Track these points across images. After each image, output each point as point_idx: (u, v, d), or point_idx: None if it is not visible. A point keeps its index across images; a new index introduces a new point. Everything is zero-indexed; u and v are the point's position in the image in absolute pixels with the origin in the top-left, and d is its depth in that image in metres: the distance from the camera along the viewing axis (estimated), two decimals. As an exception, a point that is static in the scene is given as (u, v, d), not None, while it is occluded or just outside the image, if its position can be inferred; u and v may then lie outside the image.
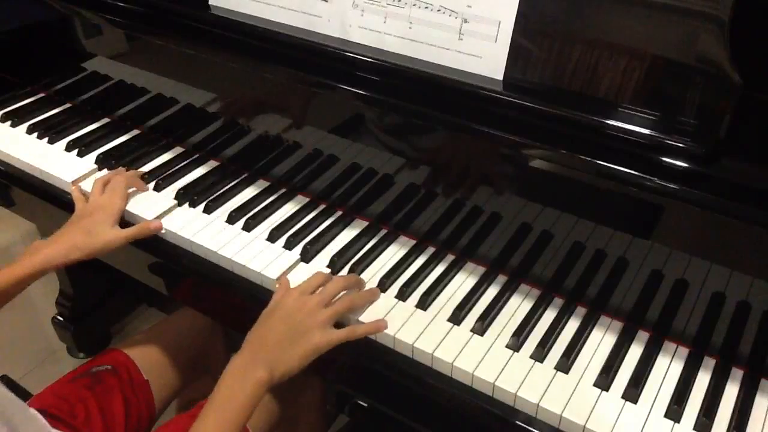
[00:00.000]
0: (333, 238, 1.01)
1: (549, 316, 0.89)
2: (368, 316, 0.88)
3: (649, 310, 0.87)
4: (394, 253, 0.99)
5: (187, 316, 1.22)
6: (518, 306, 0.91)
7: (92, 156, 1.19)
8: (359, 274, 0.95)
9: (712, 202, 0.72)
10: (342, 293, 0.89)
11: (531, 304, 0.91)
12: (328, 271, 0.95)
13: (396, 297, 0.92)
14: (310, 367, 0.82)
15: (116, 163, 1.16)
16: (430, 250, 0.99)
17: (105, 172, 1.15)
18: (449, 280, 0.94)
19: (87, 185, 1.11)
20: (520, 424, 0.79)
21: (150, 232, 1.02)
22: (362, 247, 0.99)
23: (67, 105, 1.34)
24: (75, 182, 1.13)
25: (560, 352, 0.83)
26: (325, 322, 0.84)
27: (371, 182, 1.02)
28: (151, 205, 1.07)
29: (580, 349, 0.85)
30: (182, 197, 1.09)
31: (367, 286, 0.93)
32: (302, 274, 0.94)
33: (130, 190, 1.08)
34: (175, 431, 0.98)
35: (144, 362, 1.10)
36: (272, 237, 1.01)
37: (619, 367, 0.82)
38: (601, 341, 0.86)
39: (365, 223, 1.03)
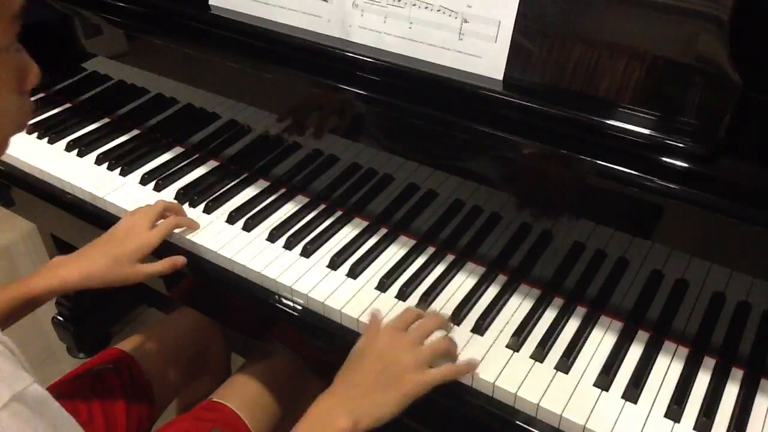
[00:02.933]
0: (333, 238, 1.01)
1: (549, 316, 0.89)
2: (367, 316, 0.88)
3: (649, 310, 0.87)
4: (394, 253, 0.99)
5: (187, 316, 1.22)
6: (518, 306, 0.91)
7: (92, 156, 1.19)
8: (359, 274, 0.95)
9: (712, 202, 0.72)
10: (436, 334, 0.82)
11: (531, 304, 0.91)
12: (329, 271, 0.95)
13: (396, 297, 0.92)
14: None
15: (116, 164, 1.16)
16: (430, 250, 0.99)
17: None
18: (449, 280, 0.94)
19: (88, 186, 1.12)
20: (520, 424, 0.79)
21: (176, 268, 0.96)
22: (362, 247, 0.99)
23: (67, 105, 1.34)
24: (75, 183, 1.13)
25: (560, 352, 0.83)
26: (424, 361, 0.77)
27: (371, 182, 1.02)
28: (151, 205, 1.06)
29: (580, 349, 0.85)
30: (182, 197, 1.09)
31: (368, 286, 0.93)
32: (302, 272, 0.95)
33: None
34: (176, 432, 0.98)
35: (145, 361, 1.09)
36: (272, 237, 1.01)
37: (619, 367, 0.82)
38: (601, 341, 0.86)
39: (365, 223, 1.03)
